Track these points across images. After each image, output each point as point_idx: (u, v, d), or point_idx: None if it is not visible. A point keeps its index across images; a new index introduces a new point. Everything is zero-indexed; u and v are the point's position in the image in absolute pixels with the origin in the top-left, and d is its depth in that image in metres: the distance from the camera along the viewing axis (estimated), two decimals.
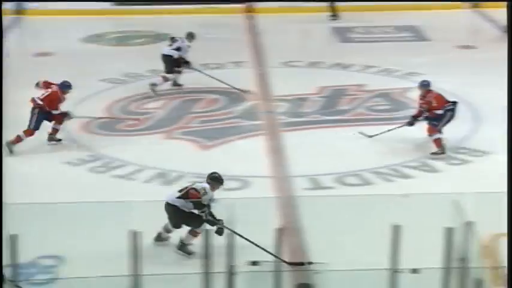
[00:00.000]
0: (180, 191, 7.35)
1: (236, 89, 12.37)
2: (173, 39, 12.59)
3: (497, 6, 16.96)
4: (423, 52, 15.09)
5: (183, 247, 7.29)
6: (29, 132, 10.01)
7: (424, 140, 10.21)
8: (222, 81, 12.45)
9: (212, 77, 12.52)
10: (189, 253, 7.27)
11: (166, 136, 10.81)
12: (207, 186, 7.28)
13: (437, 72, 12.61)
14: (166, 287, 6.62)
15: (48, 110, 10.07)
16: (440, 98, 10.26)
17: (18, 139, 9.94)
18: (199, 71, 12.61)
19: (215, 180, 7.38)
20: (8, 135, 9.59)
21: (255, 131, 11.01)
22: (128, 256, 5.67)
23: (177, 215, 7.25)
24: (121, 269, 5.81)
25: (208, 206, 7.22)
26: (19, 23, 17.00)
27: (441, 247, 5.87)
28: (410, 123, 10.34)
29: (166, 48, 12.56)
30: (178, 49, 12.43)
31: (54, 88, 10.17)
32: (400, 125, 10.47)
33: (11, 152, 9.85)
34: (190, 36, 12.60)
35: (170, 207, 7.25)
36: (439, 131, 10.08)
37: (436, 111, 10.12)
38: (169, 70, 12.43)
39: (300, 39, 17.38)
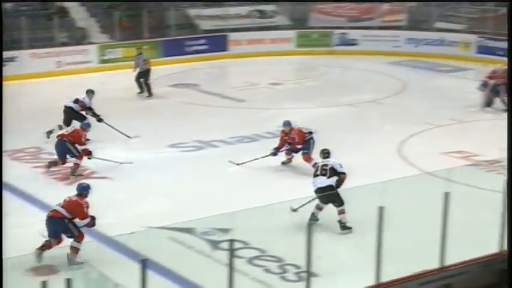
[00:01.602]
0: None
1: (124, 134, 16.03)
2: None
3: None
4: None
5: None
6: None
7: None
8: (114, 128, 16.01)
9: (108, 124, 16.03)
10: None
11: None
12: None
13: None
14: None
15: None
16: (300, 133, 14.13)
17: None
18: (100, 120, 16.12)
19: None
20: None
21: None
22: None
23: None
24: None
25: None
26: None
27: None
28: (274, 154, 14.17)
29: (68, 102, 16.11)
30: (76, 101, 16.08)
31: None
32: (265, 155, 14.08)
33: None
34: (91, 92, 16.41)
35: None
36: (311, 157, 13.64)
37: (297, 145, 13.99)
38: (66, 121, 15.82)
39: None
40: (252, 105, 19.75)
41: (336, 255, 9.98)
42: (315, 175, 11.32)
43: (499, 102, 19.07)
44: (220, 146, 15.83)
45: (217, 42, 26.53)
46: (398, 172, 13.22)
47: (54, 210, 9.94)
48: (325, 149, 11.82)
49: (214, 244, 10.10)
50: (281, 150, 14.30)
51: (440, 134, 16.75)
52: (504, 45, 25.55)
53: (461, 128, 17.16)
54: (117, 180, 13.46)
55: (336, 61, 26.35)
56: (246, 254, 9.78)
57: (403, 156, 14.69)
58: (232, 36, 26.83)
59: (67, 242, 9.88)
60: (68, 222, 9.85)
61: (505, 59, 23.88)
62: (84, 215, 9.95)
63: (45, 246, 9.77)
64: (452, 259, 8.33)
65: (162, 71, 22.97)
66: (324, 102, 20.01)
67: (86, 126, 14.38)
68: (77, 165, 13.82)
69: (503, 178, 8.98)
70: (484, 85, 19.38)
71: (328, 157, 11.64)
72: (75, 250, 9.77)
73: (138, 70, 20.69)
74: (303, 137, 14.12)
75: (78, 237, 9.84)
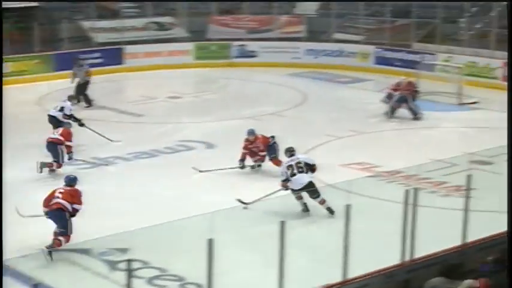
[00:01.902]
0: None
1: (107, 138, 16.78)
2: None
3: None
4: None
5: None
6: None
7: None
8: (97, 133, 16.72)
9: (91, 129, 16.73)
10: None
11: None
12: None
13: None
14: None
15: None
16: (264, 140, 14.73)
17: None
18: (82, 125, 16.72)
19: None
20: None
21: None
22: None
23: None
24: None
25: None
26: None
27: None
28: (242, 167, 14.65)
29: (52, 110, 16.76)
30: (61, 109, 16.68)
31: None
32: (234, 167, 14.55)
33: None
34: (71, 97, 17.41)
35: None
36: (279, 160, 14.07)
37: (261, 152, 14.57)
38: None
39: None
40: (151, 120, 19.56)
41: (239, 271, 9.94)
42: (293, 174, 12.18)
43: (406, 111, 19.59)
44: (117, 163, 15.57)
45: (112, 55, 26.19)
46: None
47: (57, 203, 10.58)
48: (290, 147, 12.88)
49: (112, 265, 9.89)
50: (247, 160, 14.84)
51: (340, 146, 17.01)
52: (401, 55, 26.42)
53: (362, 140, 17.50)
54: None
55: (236, 73, 26.47)
56: (146, 273, 9.61)
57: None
58: (129, 49, 26.56)
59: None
60: (68, 217, 10.56)
61: (403, 69, 24.73)
62: (81, 202, 10.76)
63: (55, 244, 10.32)
64: (355, 272, 8.42)
65: (55, 85, 22.46)
66: (224, 115, 20.03)
67: (68, 126, 15.49)
68: (51, 165, 14.53)
69: (403, 189, 9.16)
70: (389, 97, 19.89)
71: (294, 154, 12.64)
72: (57, 243, 10.33)
73: (77, 82, 20.82)
74: (267, 143, 14.73)
75: (67, 237, 10.46)
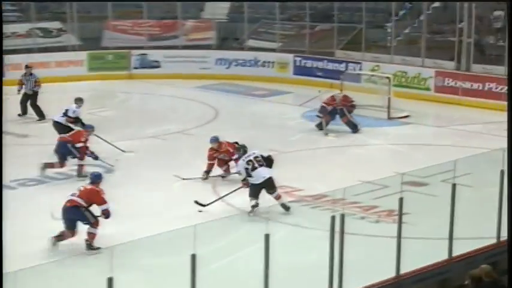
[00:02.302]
0: None
1: (119, 149, 17.60)
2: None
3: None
4: None
5: None
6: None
7: None
8: (108, 143, 17.65)
9: (102, 139, 17.51)
10: None
11: None
12: None
13: None
14: None
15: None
16: (230, 144, 15.71)
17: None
18: (98, 136, 17.32)
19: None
20: None
21: None
22: None
23: None
24: None
25: None
26: None
27: None
28: (205, 178, 15.66)
29: (56, 116, 17.99)
30: (66, 112, 17.92)
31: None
32: (201, 177, 15.68)
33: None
34: (79, 100, 18.43)
35: None
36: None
37: (232, 156, 15.50)
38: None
39: None
40: (36, 142, 19.20)
41: None
42: (254, 168, 13.70)
43: (345, 124, 19.97)
44: None
45: None
46: (212, 213, 13.30)
47: (70, 200, 11.97)
48: (242, 144, 14.82)
49: None
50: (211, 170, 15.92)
51: None
52: (323, 64, 26.72)
53: (282, 160, 17.59)
54: None
55: (137, 86, 26.34)
56: None
57: (217, 194, 14.81)
58: (10, 59, 26.03)
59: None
60: (84, 210, 11.92)
61: (326, 80, 25.08)
62: (102, 200, 12.05)
63: (60, 237, 11.92)
64: None
65: None
66: (124, 134, 19.84)
67: (89, 128, 16.60)
68: (81, 166, 15.93)
69: (329, 215, 9.25)
70: (322, 111, 20.14)
71: (246, 151, 14.37)
72: (92, 236, 11.91)
73: (25, 91, 21.27)
74: (235, 147, 15.61)
75: (94, 224, 11.93)
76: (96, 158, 16.24)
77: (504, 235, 10.91)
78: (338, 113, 20.15)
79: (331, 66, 26.52)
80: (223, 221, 12.26)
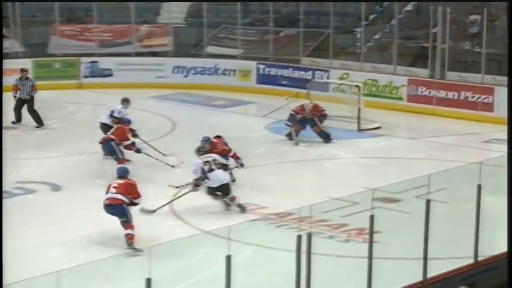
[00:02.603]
0: None
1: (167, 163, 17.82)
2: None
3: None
4: None
5: None
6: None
7: None
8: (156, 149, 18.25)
9: (150, 145, 18.44)
10: None
11: None
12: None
13: None
14: None
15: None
16: (222, 142, 16.43)
17: None
18: (140, 139, 18.34)
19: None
20: None
21: None
22: None
23: None
24: None
25: None
26: None
27: None
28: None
29: (103, 117, 18.77)
30: (112, 113, 18.56)
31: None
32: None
33: None
34: (126, 101, 18.98)
35: None
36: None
37: (228, 153, 16.22)
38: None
39: None
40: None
41: None
42: (211, 170, 14.50)
43: (316, 134, 20.19)
44: None
45: None
46: (170, 232, 13.29)
47: (111, 198, 12.67)
48: (202, 146, 15.65)
49: None
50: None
51: None
52: (288, 72, 26.87)
53: (245, 176, 17.65)
54: None
55: (86, 97, 26.25)
56: None
57: (176, 214, 14.80)
58: None
59: None
60: (126, 206, 12.62)
61: (291, 89, 25.21)
62: (138, 194, 12.89)
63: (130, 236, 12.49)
64: None
65: None
66: (72, 149, 19.78)
67: (127, 122, 17.83)
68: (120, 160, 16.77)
69: (295, 234, 9.30)
70: (291, 119, 20.26)
71: (206, 153, 15.13)
72: (131, 237, 12.50)
73: (19, 97, 21.56)
74: (226, 143, 16.53)
75: (129, 225, 12.56)
76: (138, 151, 17.49)
77: (482, 254, 11.07)
78: (308, 123, 20.34)
79: (296, 74, 26.66)
80: (181, 242, 12.25)
